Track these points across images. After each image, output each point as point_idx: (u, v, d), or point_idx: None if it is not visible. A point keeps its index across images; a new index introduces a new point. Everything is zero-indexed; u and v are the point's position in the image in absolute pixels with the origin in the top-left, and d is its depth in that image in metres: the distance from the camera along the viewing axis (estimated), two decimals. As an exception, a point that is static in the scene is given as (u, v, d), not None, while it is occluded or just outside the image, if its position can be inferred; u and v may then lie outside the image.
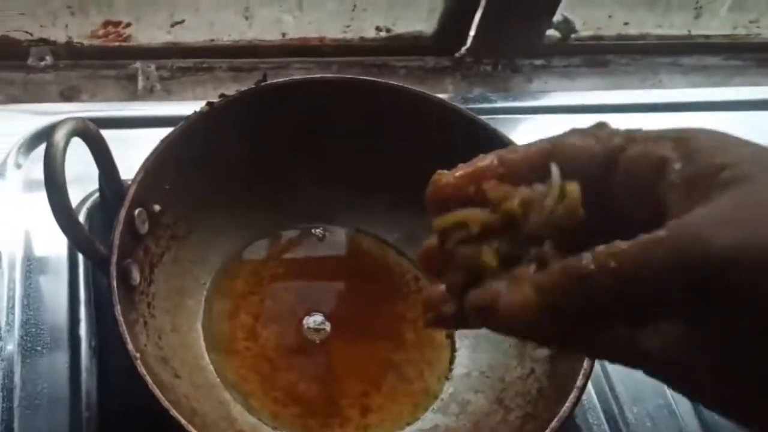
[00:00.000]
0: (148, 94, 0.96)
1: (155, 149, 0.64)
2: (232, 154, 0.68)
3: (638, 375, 0.70)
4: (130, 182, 0.62)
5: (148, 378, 0.56)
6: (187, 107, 0.80)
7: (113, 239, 0.60)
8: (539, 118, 0.91)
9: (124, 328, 0.57)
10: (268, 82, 0.68)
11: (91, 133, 0.60)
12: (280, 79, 0.68)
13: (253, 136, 0.68)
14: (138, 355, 0.57)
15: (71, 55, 0.96)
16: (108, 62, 0.97)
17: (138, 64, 0.96)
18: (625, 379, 0.72)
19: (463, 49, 1.02)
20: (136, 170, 0.62)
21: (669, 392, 0.72)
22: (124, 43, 0.97)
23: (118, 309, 0.58)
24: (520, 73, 1.02)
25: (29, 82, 0.95)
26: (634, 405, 0.71)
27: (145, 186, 0.63)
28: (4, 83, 0.94)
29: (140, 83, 0.95)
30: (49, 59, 0.95)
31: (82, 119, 0.59)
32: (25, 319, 0.68)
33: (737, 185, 0.30)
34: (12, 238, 0.72)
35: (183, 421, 0.55)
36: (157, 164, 0.63)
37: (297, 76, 0.69)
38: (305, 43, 1.00)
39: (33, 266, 0.71)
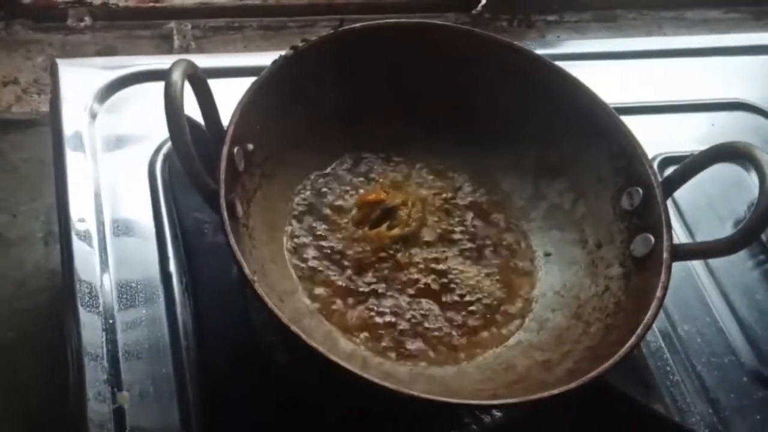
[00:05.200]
0: (184, 53, 0.99)
1: (247, 91, 0.67)
2: (313, 96, 0.72)
3: (686, 295, 0.77)
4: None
5: (266, 298, 0.59)
6: (223, 60, 0.85)
7: (219, 174, 0.63)
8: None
9: (239, 255, 0.61)
10: (346, 27, 0.72)
11: (198, 74, 0.64)
12: (360, 24, 0.72)
13: (333, 78, 0.72)
14: (255, 278, 0.60)
15: (108, 16, 0.98)
16: (143, 22, 1.00)
17: (173, 24, 0.99)
18: (675, 300, 0.78)
19: (480, 6, 1.07)
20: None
21: (716, 311, 0.78)
22: (157, 4, 1.00)
23: (231, 237, 0.61)
24: (534, 28, 1.07)
25: (67, 43, 0.98)
26: (685, 323, 0.77)
27: (240, 126, 0.66)
28: (44, 44, 0.97)
29: (176, 42, 0.99)
30: (88, 20, 0.97)
31: (192, 62, 0.63)
32: (118, 256, 0.72)
33: None
34: (95, 198, 0.75)
35: (303, 336, 0.58)
36: (248, 106, 0.67)
37: (373, 21, 0.73)
38: (332, 2, 1.04)
39: (118, 208, 0.75)
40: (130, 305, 0.70)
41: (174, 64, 0.61)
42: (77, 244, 0.72)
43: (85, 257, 0.71)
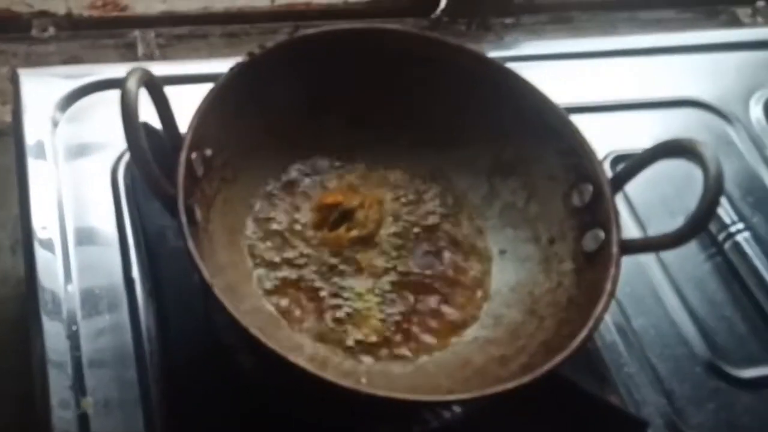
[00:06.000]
0: (148, 61, 1.00)
1: (205, 97, 0.68)
2: (271, 102, 0.73)
3: (640, 290, 0.79)
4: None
5: (225, 302, 0.60)
6: (184, 67, 0.87)
7: (177, 179, 0.64)
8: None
9: (198, 259, 0.62)
10: (300, 33, 0.73)
11: (154, 82, 0.65)
12: (314, 30, 0.74)
13: (290, 83, 0.73)
14: (213, 282, 0.61)
15: (72, 26, 0.99)
16: (107, 32, 1.01)
17: (137, 33, 1.00)
18: (629, 295, 0.80)
19: (439, 10, 1.08)
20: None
21: (669, 304, 0.80)
22: (121, 13, 1.01)
23: (190, 242, 0.62)
24: (492, 31, 1.09)
25: (32, 54, 0.98)
26: (638, 317, 0.79)
27: (198, 131, 0.67)
28: (8, 55, 0.98)
29: (140, 50, 1.00)
30: (52, 30, 0.98)
31: (147, 70, 0.64)
32: (81, 263, 0.73)
33: None
34: (57, 206, 0.77)
35: (261, 338, 0.60)
36: (206, 111, 0.68)
37: (327, 27, 0.75)
38: (292, 8, 1.06)
39: (81, 216, 0.76)
40: (93, 312, 0.71)
41: (129, 73, 0.63)
42: (40, 252, 0.73)
43: (48, 265, 0.73)
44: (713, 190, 0.64)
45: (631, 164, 0.70)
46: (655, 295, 0.81)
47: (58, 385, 0.67)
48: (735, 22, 1.14)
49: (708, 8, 1.14)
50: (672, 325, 0.79)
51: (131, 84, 0.62)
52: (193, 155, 0.67)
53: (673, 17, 1.13)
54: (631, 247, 0.68)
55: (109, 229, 0.76)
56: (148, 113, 0.66)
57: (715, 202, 0.64)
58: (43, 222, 0.75)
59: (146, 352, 0.70)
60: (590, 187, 0.71)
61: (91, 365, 0.69)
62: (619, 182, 0.71)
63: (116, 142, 0.79)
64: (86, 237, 0.75)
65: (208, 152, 0.69)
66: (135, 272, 0.74)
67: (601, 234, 0.69)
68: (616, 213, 0.69)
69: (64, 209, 0.76)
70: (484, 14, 1.09)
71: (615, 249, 0.67)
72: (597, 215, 0.70)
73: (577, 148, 0.72)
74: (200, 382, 0.69)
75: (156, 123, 0.67)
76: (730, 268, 0.84)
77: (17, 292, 0.88)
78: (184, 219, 0.63)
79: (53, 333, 0.70)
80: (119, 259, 0.74)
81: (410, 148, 0.78)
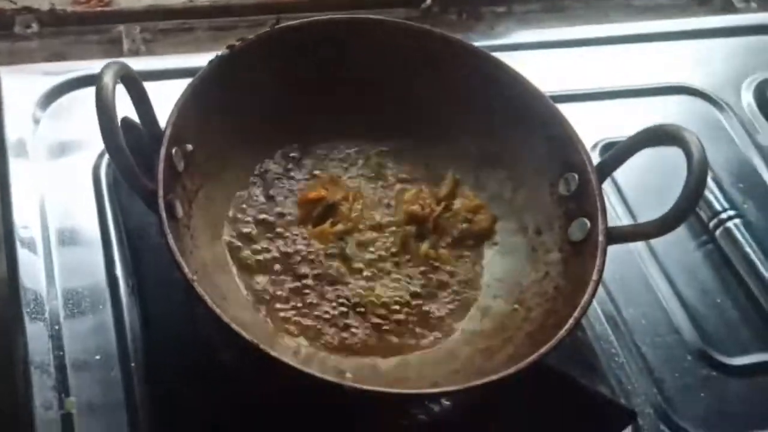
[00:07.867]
0: (134, 56, 0.98)
1: (184, 91, 0.68)
2: (252, 95, 0.72)
3: (630, 279, 0.78)
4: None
5: (206, 298, 0.60)
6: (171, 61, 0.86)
7: (157, 174, 0.63)
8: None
9: (178, 255, 0.61)
10: (282, 24, 0.72)
11: (132, 76, 0.64)
12: (294, 21, 0.73)
13: (271, 75, 0.73)
14: (195, 277, 0.61)
15: (56, 21, 0.98)
16: (91, 27, 0.99)
17: (121, 28, 0.99)
18: (620, 284, 0.79)
19: (429, 0, 1.07)
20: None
21: (660, 293, 0.79)
22: (106, 8, 1.00)
23: (170, 238, 0.62)
24: (483, 20, 1.08)
25: (14, 51, 0.97)
26: (629, 306, 0.78)
27: (178, 126, 0.66)
28: (-10, 52, 0.97)
29: (125, 46, 0.98)
30: (35, 27, 0.97)
31: (124, 63, 0.63)
32: (63, 262, 0.72)
33: None
34: (39, 205, 0.76)
35: (243, 333, 0.59)
36: (186, 106, 0.67)
37: (309, 18, 0.74)
38: (279, 0, 1.04)
39: (63, 215, 0.75)
40: (76, 312, 0.71)
41: (105, 67, 0.62)
42: (21, 252, 0.72)
43: (30, 264, 0.72)
44: (697, 176, 0.63)
45: (616, 152, 0.69)
46: (645, 283, 0.80)
47: (41, 386, 0.67)
48: (729, 8, 1.12)
49: (701, -7, 1.13)
50: (662, 314, 0.78)
51: (107, 79, 0.61)
52: (174, 150, 0.66)
53: (667, 3, 1.12)
54: (618, 236, 0.68)
55: (92, 227, 0.75)
56: (129, 109, 0.66)
57: (700, 188, 0.63)
58: (24, 221, 0.74)
59: (130, 352, 0.69)
60: (576, 177, 0.70)
61: (75, 366, 0.68)
62: (604, 170, 0.70)
63: (98, 139, 0.77)
64: (69, 236, 0.74)
65: (189, 147, 0.69)
66: (118, 270, 0.73)
67: (587, 223, 0.68)
68: (602, 202, 0.68)
69: (46, 208, 0.75)
70: (475, 3, 1.08)
71: (601, 238, 0.67)
72: (583, 204, 0.69)
73: (563, 137, 0.71)
74: (185, 381, 0.68)
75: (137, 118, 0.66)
76: (721, 255, 0.83)
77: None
78: (164, 214, 0.63)
79: (35, 334, 0.69)
80: (102, 257, 0.73)
81: (396, 140, 0.78)
